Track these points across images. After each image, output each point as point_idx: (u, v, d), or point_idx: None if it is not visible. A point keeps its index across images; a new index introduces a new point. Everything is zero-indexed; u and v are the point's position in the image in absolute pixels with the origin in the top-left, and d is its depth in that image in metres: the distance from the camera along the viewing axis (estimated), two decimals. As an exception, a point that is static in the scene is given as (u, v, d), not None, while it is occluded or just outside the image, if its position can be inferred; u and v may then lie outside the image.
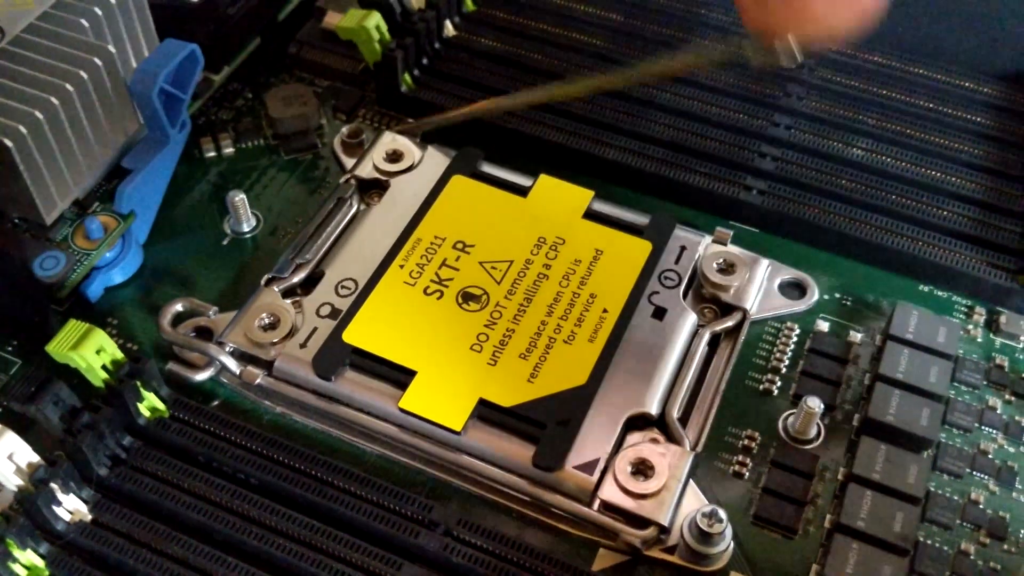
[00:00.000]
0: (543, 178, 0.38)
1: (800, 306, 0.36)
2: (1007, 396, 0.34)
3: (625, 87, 0.41)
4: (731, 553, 0.30)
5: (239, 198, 0.38)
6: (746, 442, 0.33)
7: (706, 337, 0.34)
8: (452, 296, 0.34)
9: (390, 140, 0.39)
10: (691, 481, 0.31)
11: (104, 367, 0.32)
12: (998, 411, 0.34)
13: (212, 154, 0.42)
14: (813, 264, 0.37)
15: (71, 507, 0.30)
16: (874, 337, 0.35)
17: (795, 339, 0.35)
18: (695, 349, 0.34)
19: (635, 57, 0.44)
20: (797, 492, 0.31)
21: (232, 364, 0.33)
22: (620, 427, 0.32)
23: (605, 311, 0.34)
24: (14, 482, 0.29)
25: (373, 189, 0.39)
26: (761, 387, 0.34)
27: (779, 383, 0.34)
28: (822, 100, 0.42)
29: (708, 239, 0.37)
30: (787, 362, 0.35)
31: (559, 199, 0.37)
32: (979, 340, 0.36)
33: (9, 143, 0.33)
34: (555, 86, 0.37)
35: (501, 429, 0.32)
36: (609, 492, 0.30)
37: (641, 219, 0.37)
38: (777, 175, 0.39)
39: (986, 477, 0.32)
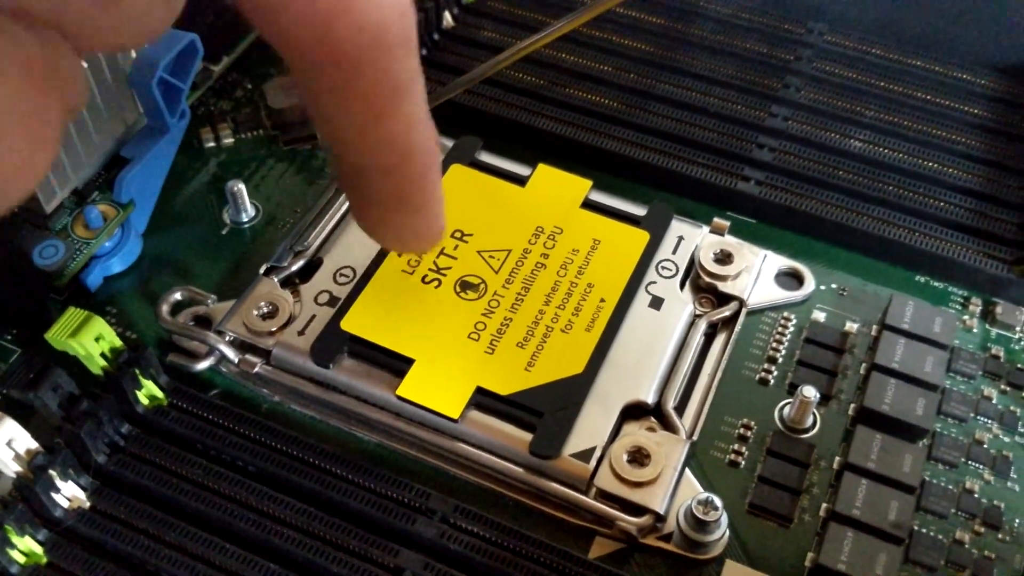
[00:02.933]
0: (541, 168, 0.38)
1: (797, 296, 0.36)
2: (1002, 386, 0.34)
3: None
4: (727, 541, 0.30)
5: (238, 188, 0.38)
6: (742, 431, 0.33)
7: (703, 327, 0.34)
8: (450, 285, 0.34)
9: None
10: (687, 469, 0.31)
11: (103, 355, 0.32)
12: (993, 401, 0.34)
13: (211, 144, 0.42)
14: (810, 254, 0.38)
15: (69, 494, 0.30)
16: (870, 327, 0.35)
17: (792, 329, 0.35)
18: (692, 338, 0.34)
19: (637, 48, 0.44)
20: (793, 481, 0.32)
21: (230, 352, 0.33)
22: (617, 416, 0.32)
23: (602, 300, 0.34)
24: (13, 469, 0.29)
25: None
26: (757, 376, 0.34)
27: (775, 372, 0.34)
28: (820, 91, 0.42)
29: (705, 229, 0.37)
30: (783, 351, 0.35)
31: (557, 189, 0.37)
32: (975, 330, 0.36)
33: (8, 132, 0.33)
34: (528, 41, 0.37)
35: (498, 417, 0.32)
36: (605, 480, 0.30)
37: (639, 209, 0.37)
38: (775, 166, 0.39)
39: (981, 467, 0.32)
